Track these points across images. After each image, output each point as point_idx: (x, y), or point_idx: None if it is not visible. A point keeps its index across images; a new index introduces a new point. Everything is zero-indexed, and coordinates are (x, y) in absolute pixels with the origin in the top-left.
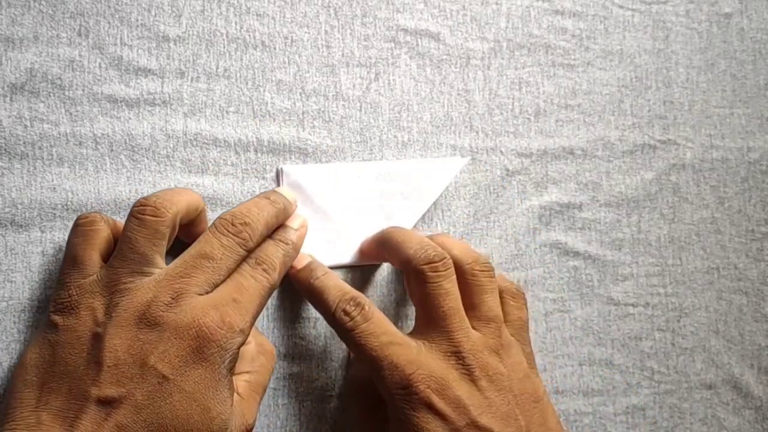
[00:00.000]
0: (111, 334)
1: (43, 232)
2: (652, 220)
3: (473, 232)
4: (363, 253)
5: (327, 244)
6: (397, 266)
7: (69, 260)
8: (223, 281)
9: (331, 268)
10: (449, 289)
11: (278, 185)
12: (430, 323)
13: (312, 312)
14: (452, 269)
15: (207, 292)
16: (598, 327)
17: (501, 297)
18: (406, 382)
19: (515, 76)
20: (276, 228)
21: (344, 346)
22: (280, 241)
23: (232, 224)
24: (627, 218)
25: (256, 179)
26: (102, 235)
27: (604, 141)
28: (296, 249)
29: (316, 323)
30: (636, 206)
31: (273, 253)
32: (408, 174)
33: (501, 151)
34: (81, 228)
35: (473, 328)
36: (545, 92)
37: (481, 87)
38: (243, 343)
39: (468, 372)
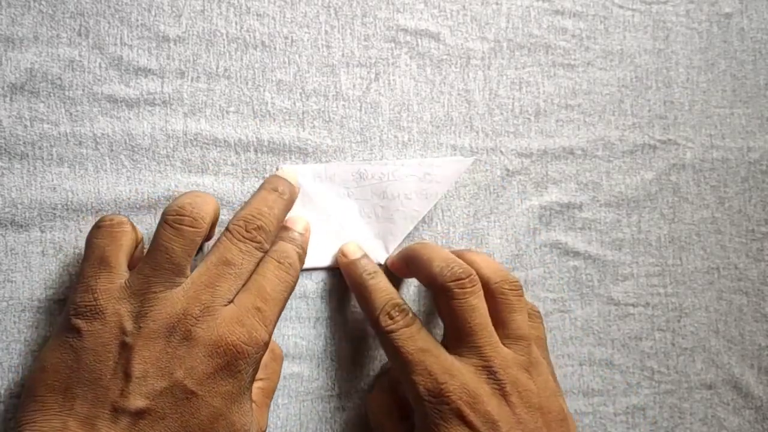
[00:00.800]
0: (140, 346)
1: (43, 232)
2: (653, 220)
3: (473, 232)
4: (390, 269)
5: (326, 245)
6: (424, 283)
7: (95, 262)
8: (244, 285)
9: (330, 268)
10: (476, 305)
11: None
12: (460, 339)
13: (312, 312)
14: (479, 285)
15: (232, 299)
16: (598, 327)
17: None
18: (438, 391)
19: (515, 76)
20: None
21: (343, 345)
22: (292, 243)
23: (246, 230)
24: (627, 218)
25: (256, 179)
26: (129, 237)
27: (605, 141)
28: (305, 253)
29: (316, 323)
30: (636, 206)
31: (291, 251)
32: (410, 174)
33: (501, 151)
34: (107, 229)
35: (503, 345)
36: (545, 92)
37: (482, 87)
38: (265, 353)
39: (499, 387)
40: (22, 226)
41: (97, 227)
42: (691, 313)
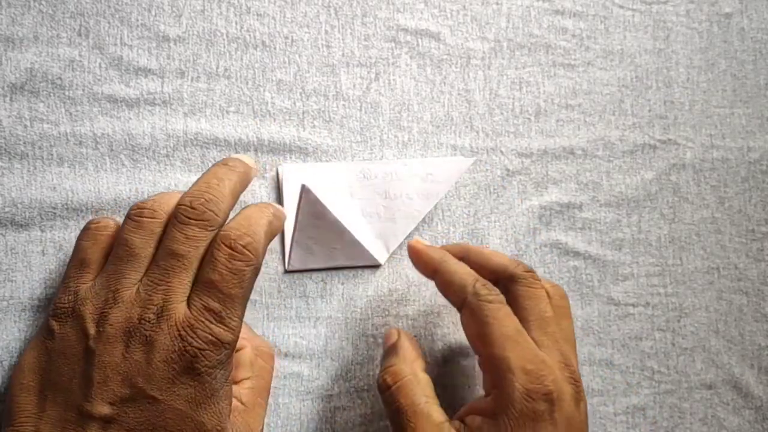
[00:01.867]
0: (100, 351)
1: (43, 231)
2: (653, 220)
3: (473, 232)
4: (416, 263)
5: (327, 244)
6: (485, 273)
7: (77, 263)
8: (199, 270)
9: (330, 269)
10: (545, 298)
11: (278, 184)
12: (534, 327)
13: (312, 312)
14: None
15: (187, 293)
16: (598, 327)
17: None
18: (536, 380)
19: (516, 76)
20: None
21: (343, 345)
22: (262, 210)
23: (191, 207)
24: (627, 218)
25: (257, 178)
26: (112, 238)
27: (605, 141)
28: (280, 219)
29: (316, 323)
30: (636, 206)
31: (256, 221)
32: (413, 174)
33: (501, 151)
34: (92, 231)
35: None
36: (546, 92)
37: (482, 87)
38: (232, 352)
39: (576, 392)
40: (22, 225)
41: (84, 229)
42: (691, 313)
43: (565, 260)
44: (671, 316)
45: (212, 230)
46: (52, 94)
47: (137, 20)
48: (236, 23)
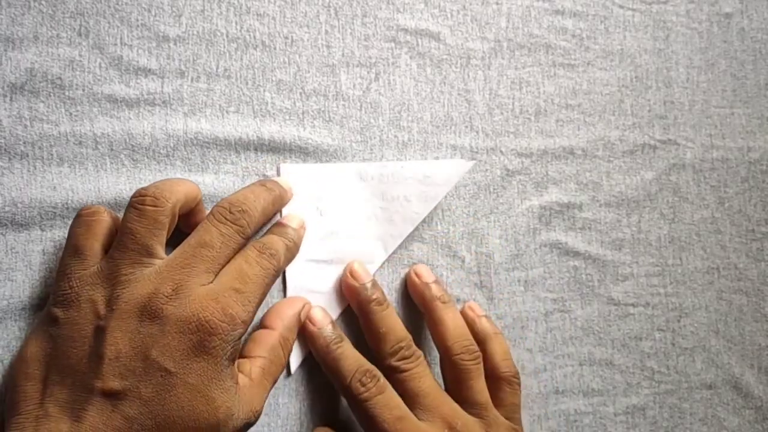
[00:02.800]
0: (112, 327)
1: (43, 231)
2: (652, 220)
3: (473, 232)
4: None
5: (325, 244)
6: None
7: (70, 250)
8: (222, 269)
9: (327, 261)
10: (424, 372)
11: None
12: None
13: None
14: (422, 361)
15: (209, 282)
16: (598, 327)
17: (498, 383)
18: None
19: (515, 76)
20: (273, 217)
21: None
22: (282, 236)
23: (230, 212)
24: (627, 218)
25: (257, 178)
26: (104, 225)
27: (605, 141)
28: (297, 247)
29: None
30: (636, 206)
31: (277, 242)
32: (411, 176)
33: (501, 151)
34: (83, 218)
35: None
36: (545, 92)
37: (482, 87)
38: (244, 333)
39: None
40: (22, 225)
41: (76, 217)
42: (691, 313)
43: (565, 260)
44: (671, 316)
45: (243, 238)
46: (52, 94)
47: (137, 20)
48: (236, 23)
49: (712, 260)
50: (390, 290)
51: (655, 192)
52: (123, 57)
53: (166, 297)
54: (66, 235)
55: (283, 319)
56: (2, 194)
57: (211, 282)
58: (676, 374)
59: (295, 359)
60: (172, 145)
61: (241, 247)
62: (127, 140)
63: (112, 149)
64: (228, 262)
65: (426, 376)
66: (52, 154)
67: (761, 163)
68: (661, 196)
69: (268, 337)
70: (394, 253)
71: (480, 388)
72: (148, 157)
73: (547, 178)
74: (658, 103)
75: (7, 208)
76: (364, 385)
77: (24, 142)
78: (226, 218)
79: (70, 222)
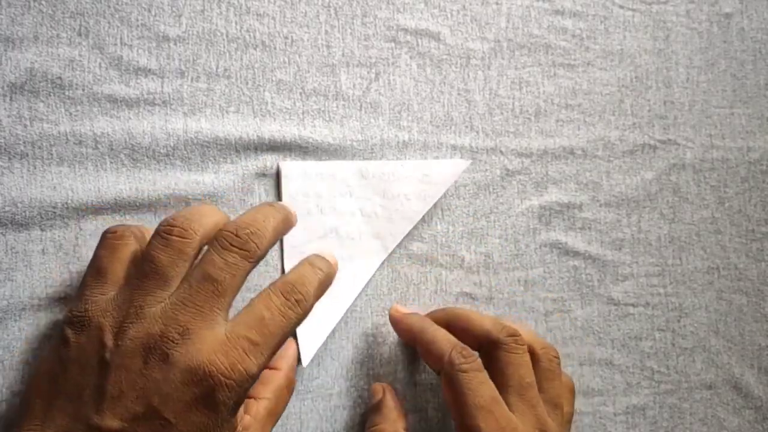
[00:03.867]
0: (117, 365)
1: (43, 230)
2: (652, 220)
3: (473, 232)
4: (396, 328)
5: (325, 242)
6: (469, 340)
7: (93, 271)
8: (232, 301)
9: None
10: (527, 363)
11: (278, 181)
12: (512, 392)
13: None
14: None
15: (219, 323)
16: (598, 327)
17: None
18: None
19: (515, 76)
20: (283, 232)
21: (343, 344)
22: (318, 268)
23: (236, 235)
24: (627, 218)
25: (257, 177)
26: (129, 250)
27: (605, 141)
28: (328, 283)
29: None
30: (636, 206)
31: (310, 279)
32: (411, 175)
33: (501, 151)
34: (108, 241)
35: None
36: (545, 92)
37: (482, 87)
38: (252, 385)
39: None
40: (22, 225)
41: (101, 239)
42: (691, 313)
43: (565, 260)
44: (671, 316)
45: (252, 262)
46: (52, 94)
47: (137, 20)
48: (236, 23)
49: (712, 260)
50: (390, 290)
51: (655, 192)
52: (123, 57)
53: (173, 342)
54: (65, 236)
55: (287, 359)
56: (2, 194)
57: (223, 321)
58: (676, 374)
59: (308, 353)
60: (172, 144)
61: (249, 272)
62: (127, 140)
63: (112, 149)
64: (237, 290)
65: (528, 367)
66: (52, 154)
67: (761, 163)
68: (661, 196)
69: (274, 378)
70: (393, 252)
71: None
72: (148, 157)
73: (547, 178)
74: (658, 103)
75: (7, 208)
76: (465, 357)
77: (24, 142)
78: (232, 244)
79: (70, 222)
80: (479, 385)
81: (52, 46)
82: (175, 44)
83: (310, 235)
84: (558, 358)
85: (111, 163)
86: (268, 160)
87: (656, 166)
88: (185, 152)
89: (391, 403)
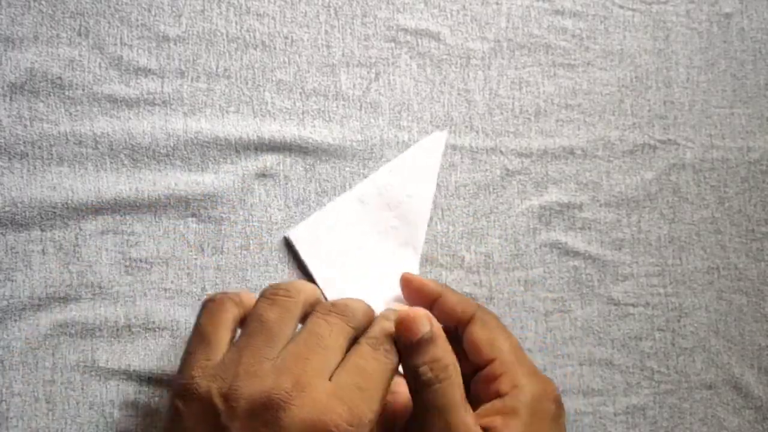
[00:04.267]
0: (235, 427)
1: (43, 231)
2: (652, 220)
3: (473, 232)
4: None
5: (365, 277)
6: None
7: (198, 336)
8: (338, 363)
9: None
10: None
11: (292, 251)
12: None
13: None
14: None
15: (328, 378)
16: (598, 327)
17: None
18: (545, 384)
19: (515, 76)
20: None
21: None
22: (390, 323)
23: (333, 305)
24: (627, 218)
25: (257, 177)
26: (229, 314)
27: (605, 141)
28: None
29: None
30: (636, 206)
31: (387, 332)
32: (400, 173)
33: (501, 151)
34: (209, 309)
35: None
36: (545, 92)
37: (482, 87)
38: None
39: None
40: (22, 225)
41: (202, 307)
42: (691, 313)
43: (565, 260)
44: (671, 316)
45: (351, 327)
46: (52, 94)
47: (137, 20)
48: (236, 23)
49: (712, 260)
50: None
51: (655, 192)
52: (123, 57)
53: (287, 393)
54: (65, 236)
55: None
56: (2, 194)
57: (330, 379)
58: (676, 374)
59: None
60: (172, 144)
61: (352, 340)
62: (127, 140)
63: (112, 149)
64: (342, 354)
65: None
66: (52, 154)
67: (761, 163)
68: (661, 196)
69: None
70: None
71: None
72: (148, 157)
73: (547, 178)
74: (658, 103)
75: (7, 208)
76: (490, 313)
77: (24, 142)
78: (330, 311)
79: (70, 222)
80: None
81: (52, 46)
82: (175, 44)
83: (350, 281)
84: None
85: (111, 163)
86: (268, 160)
87: (656, 166)
88: (185, 152)
89: (442, 334)
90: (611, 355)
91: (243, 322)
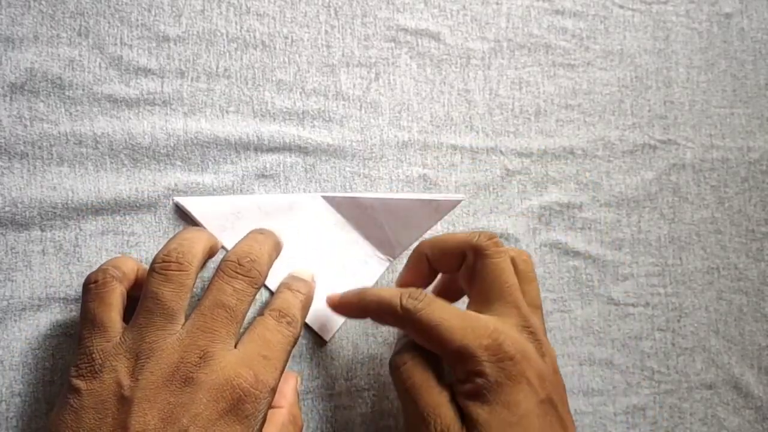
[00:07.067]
0: (139, 398)
1: (43, 231)
2: (652, 220)
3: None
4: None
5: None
6: (449, 256)
7: (88, 324)
8: (241, 327)
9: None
10: (508, 267)
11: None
12: (495, 298)
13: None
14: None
15: (233, 346)
16: (598, 327)
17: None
18: (497, 347)
19: (515, 75)
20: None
21: (343, 344)
22: (297, 291)
23: (239, 264)
24: (627, 218)
25: (257, 177)
26: (116, 294)
27: (604, 141)
28: (310, 301)
29: None
30: (636, 206)
31: (293, 303)
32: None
33: (501, 151)
34: (93, 291)
35: None
36: (545, 92)
37: (482, 87)
38: (272, 401)
39: (539, 348)
40: (22, 225)
41: (85, 290)
42: (691, 313)
43: (565, 260)
44: (671, 316)
45: (256, 288)
46: (52, 94)
47: (137, 20)
48: (236, 23)
49: (712, 260)
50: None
51: (655, 192)
52: (123, 57)
53: (194, 365)
54: (65, 236)
55: (287, 396)
56: (2, 194)
57: (235, 346)
58: (676, 374)
59: (331, 328)
60: (172, 144)
61: (254, 297)
62: (127, 140)
63: (112, 149)
64: (244, 317)
65: (510, 270)
66: (52, 154)
67: (761, 163)
68: (661, 196)
69: (278, 416)
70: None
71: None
72: (148, 157)
73: (547, 178)
74: (658, 103)
75: (7, 208)
76: (415, 298)
77: (24, 142)
78: (237, 272)
79: (70, 222)
80: (441, 313)
81: (52, 46)
82: (175, 44)
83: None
84: (531, 260)
85: (111, 163)
86: (268, 160)
87: (656, 166)
88: (185, 152)
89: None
90: (611, 355)
91: (130, 293)
